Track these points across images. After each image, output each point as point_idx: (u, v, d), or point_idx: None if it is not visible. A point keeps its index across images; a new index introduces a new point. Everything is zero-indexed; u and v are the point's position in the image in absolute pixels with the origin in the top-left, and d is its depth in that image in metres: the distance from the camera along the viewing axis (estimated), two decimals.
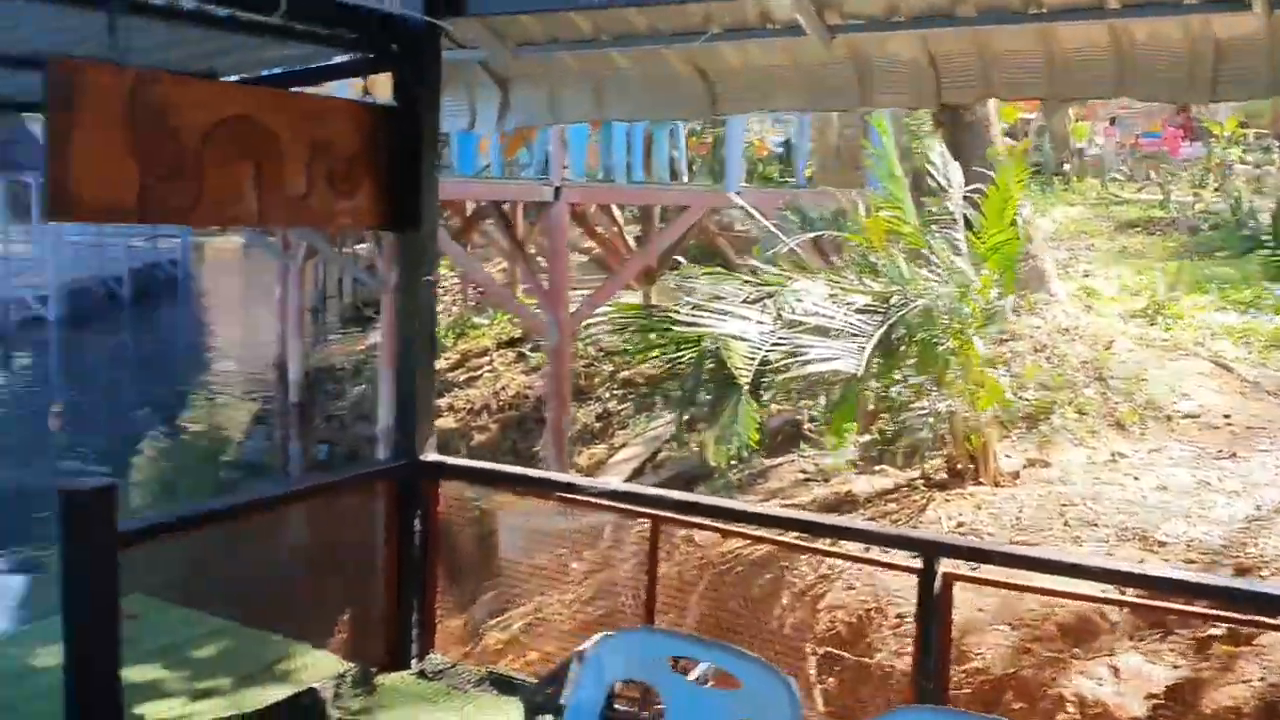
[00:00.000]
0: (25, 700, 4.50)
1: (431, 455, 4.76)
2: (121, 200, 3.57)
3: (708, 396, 5.70)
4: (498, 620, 6.51)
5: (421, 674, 4.72)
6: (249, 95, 4.00)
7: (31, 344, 21.39)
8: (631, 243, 13.71)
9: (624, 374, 11.99)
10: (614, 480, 7.15)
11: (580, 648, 3.82)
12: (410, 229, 4.56)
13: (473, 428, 12.23)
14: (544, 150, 10.16)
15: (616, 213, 13.85)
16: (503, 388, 12.64)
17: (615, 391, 11.66)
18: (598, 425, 11.09)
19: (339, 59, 4.70)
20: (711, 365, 5.91)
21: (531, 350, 13.34)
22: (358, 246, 18.20)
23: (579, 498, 4.42)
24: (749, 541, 5.75)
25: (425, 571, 4.81)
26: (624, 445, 10.54)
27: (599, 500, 4.41)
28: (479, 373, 13.37)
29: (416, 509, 4.73)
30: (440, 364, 14.37)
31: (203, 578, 5.14)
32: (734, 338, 5.45)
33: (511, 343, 13.98)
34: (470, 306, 17.08)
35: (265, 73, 4.83)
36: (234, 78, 4.65)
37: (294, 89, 4.67)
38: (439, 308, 16.56)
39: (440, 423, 12.88)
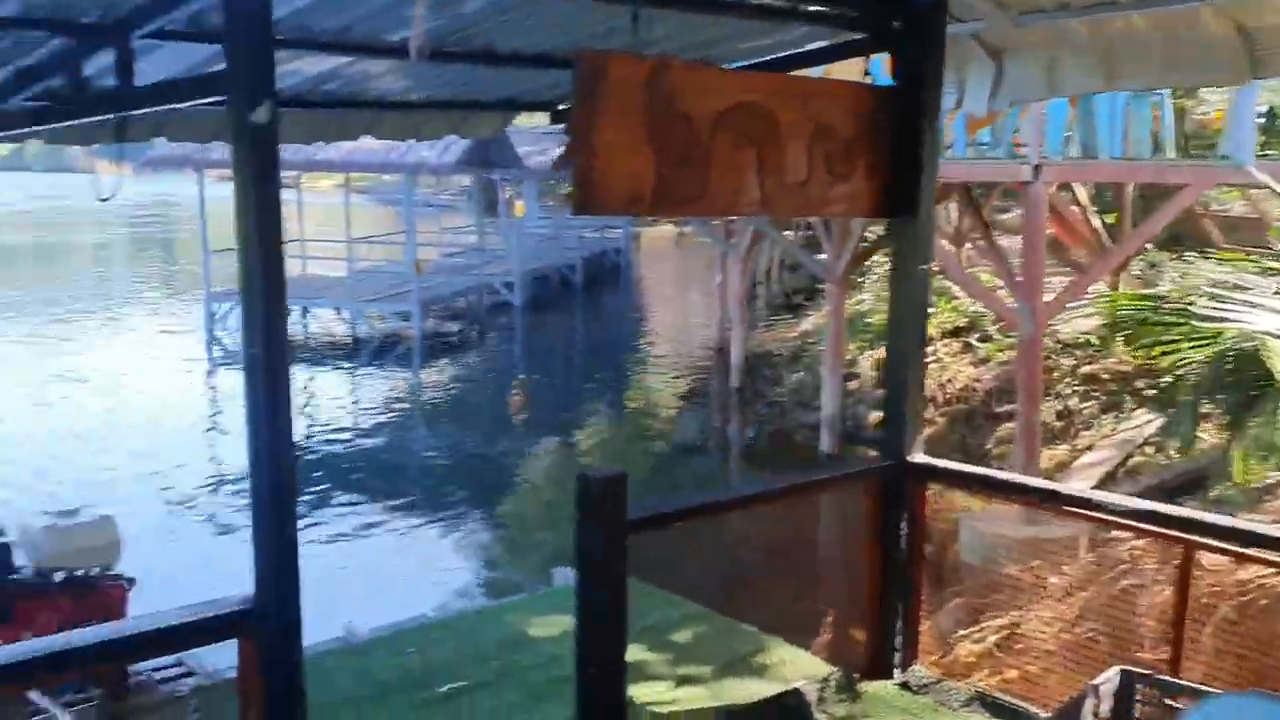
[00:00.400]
0: (522, 669, 4.76)
1: (919, 456, 4.49)
2: (639, 192, 3.59)
3: (1231, 399, 4.95)
4: (969, 631, 6.11)
5: (905, 686, 4.46)
6: (755, 81, 3.90)
7: (498, 327, 23.60)
8: (1098, 225, 12.60)
9: (1085, 369, 11.04)
10: (1134, 499, 6.47)
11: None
12: (906, 215, 4.30)
13: None
14: (1009, 128, 9.51)
15: (1081, 193, 12.78)
16: (949, 379, 12.08)
17: (1076, 388, 10.75)
18: (1058, 424, 10.27)
19: (836, 40, 4.51)
20: (1232, 364, 5.13)
21: (979, 341, 12.66)
22: (786, 233, 18.27)
23: (1095, 515, 3.94)
24: (1274, 570, 4.94)
25: (910, 578, 4.55)
26: (1089, 447, 9.67)
27: (1120, 520, 3.90)
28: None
29: (902, 512, 4.48)
30: (880, 353, 14.07)
31: (678, 563, 5.24)
32: (1274, 335, 4.67)
33: (955, 332, 13.35)
34: None
35: (759, 60, 4.75)
36: (733, 65, 4.61)
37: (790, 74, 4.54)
38: (871, 293, 16.17)
39: (882, 412, 12.58)
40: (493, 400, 16.77)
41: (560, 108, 5.90)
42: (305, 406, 16.23)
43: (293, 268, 23.74)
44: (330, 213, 25.73)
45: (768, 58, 4.68)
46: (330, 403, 16.53)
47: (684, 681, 4.62)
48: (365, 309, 21.04)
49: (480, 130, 6.23)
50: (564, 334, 24.52)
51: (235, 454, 12.99)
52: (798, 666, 4.70)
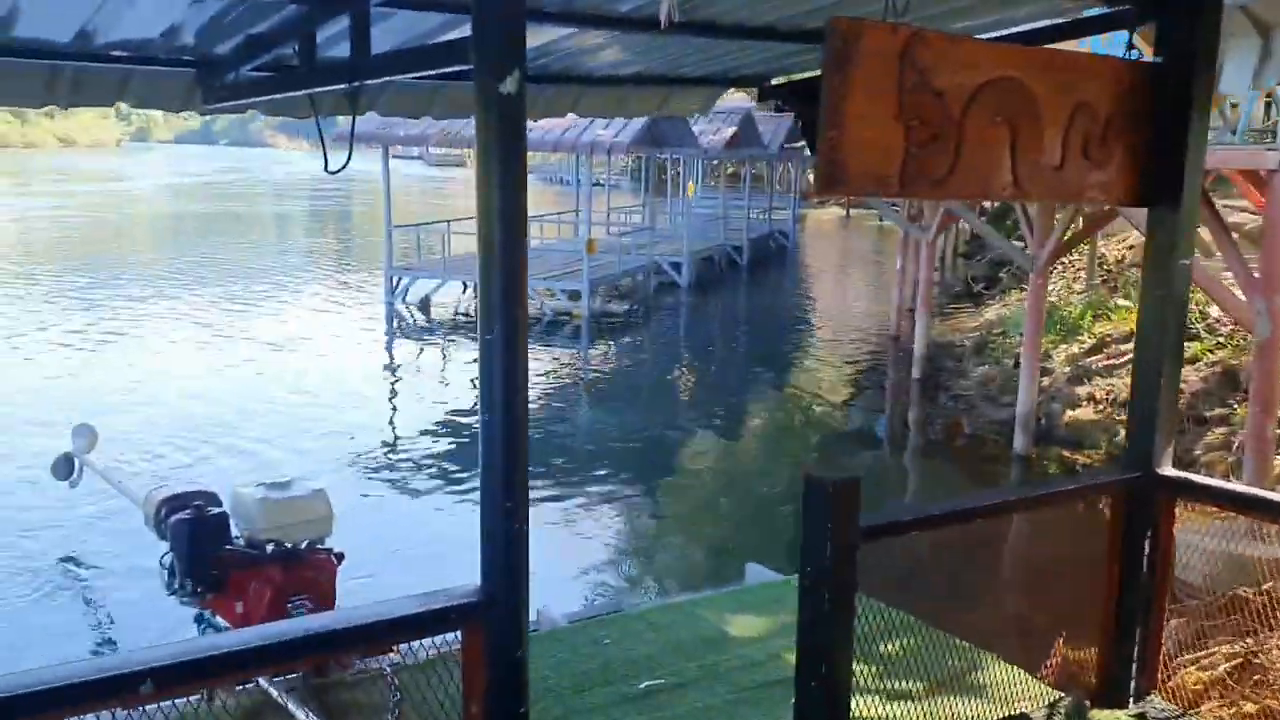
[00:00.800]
0: (722, 670, 4.57)
1: (1168, 469, 4.11)
2: (885, 171, 3.34)
3: None
4: (1195, 656, 5.62)
5: (1141, 717, 4.10)
6: (1014, 55, 3.58)
7: (664, 307, 23.50)
8: None
9: None
10: None
11: None
12: (1167, 205, 3.92)
13: (1117, 421, 11.10)
14: (1245, 111, 8.79)
15: None
16: None
17: None
18: None
19: (1096, 11, 4.13)
20: None
21: (1187, 339, 11.83)
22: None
23: None
24: None
25: (1151, 601, 4.18)
26: None
27: None
28: (1121, 360, 12.12)
29: (1147, 528, 4.11)
30: (1074, 348, 13.33)
31: (884, 566, 4.95)
32: None
33: None
34: (1106, 285, 15.64)
35: (1009, 31, 4.40)
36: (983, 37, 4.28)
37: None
38: (1061, 284, 15.32)
39: (1079, 413, 11.94)
40: (661, 382, 16.65)
41: (772, 83, 5.65)
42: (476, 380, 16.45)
43: (467, 245, 24.25)
44: None
45: (1018, 29, 4.34)
46: None
47: (894, 697, 4.35)
48: (537, 286, 21.25)
49: (684, 107, 6.04)
50: (731, 316, 24.25)
51: (413, 423, 13.32)
52: (1020, 689, 4.38)
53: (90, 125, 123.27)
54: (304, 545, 4.89)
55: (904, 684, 4.50)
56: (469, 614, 2.77)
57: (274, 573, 4.72)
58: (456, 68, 2.78)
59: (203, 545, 4.79)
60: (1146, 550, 4.11)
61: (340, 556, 4.98)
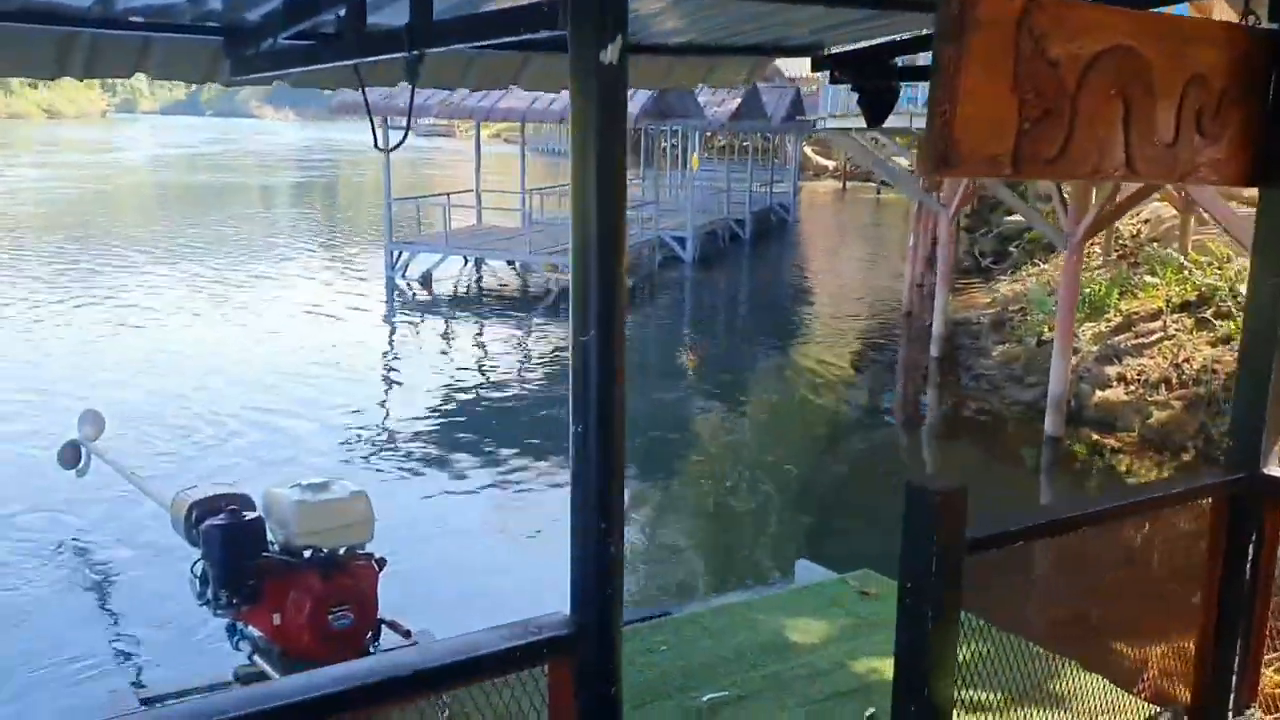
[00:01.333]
0: (786, 680, 4.30)
1: (1276, 469, 3.83)
2: (998, 150, 3.01)
3: None
4: (1269, 658, 5.38)
5: None
6: (1128, 20, 3.25)
7: (669, 283, 23.15)
8: None
9: None
10: None
11: None
12: None
13: (1149, 403, 10.84)
14: None
15: None
16: (1185, 359, 11.04)
17: None
18: None
19: None
20: None
21: (1214, 316, 11.56)
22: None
23: None
24: None
25: (1254, 610, 3.91)
26: None
27: None
28: (1150, 339, 11.84)
29: (1250, 533, 3.84)
30: (1101, 327, 13.05)
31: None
32: None
33: (1185, 306, 12.24)
34: (1125, 261, 15.35)
35: None
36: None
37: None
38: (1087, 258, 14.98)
39: (1108, 394, 11.66)
40: (672, 361, 16.34)
41: (829, 51, 5.33)
42: (485, 359, 16.19)
43: (468, 218, 23.87)
44: (488, 162, 25.60)
45: None
46: (510, 357, 16.43)
47: (968, 708, 4.09)
48: (544, 261, 20.87)
49: (730, 77, 5.70)
50: (738, 292, 23.93)
51: (410, 405, 12.99)
52: (1100, 699, 4.13)
53: (76, 96, 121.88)
54: (343, 551, 4.60)
55: (976, 691, 4.24)
56: (559, 647, 2.49)
57: (313, 581, 4.43)
58: (543, 34, 2.45)
59: (238, 553, 4.48)
60: (1250, 556, 3.83)
61: (382, 562, 4.68)
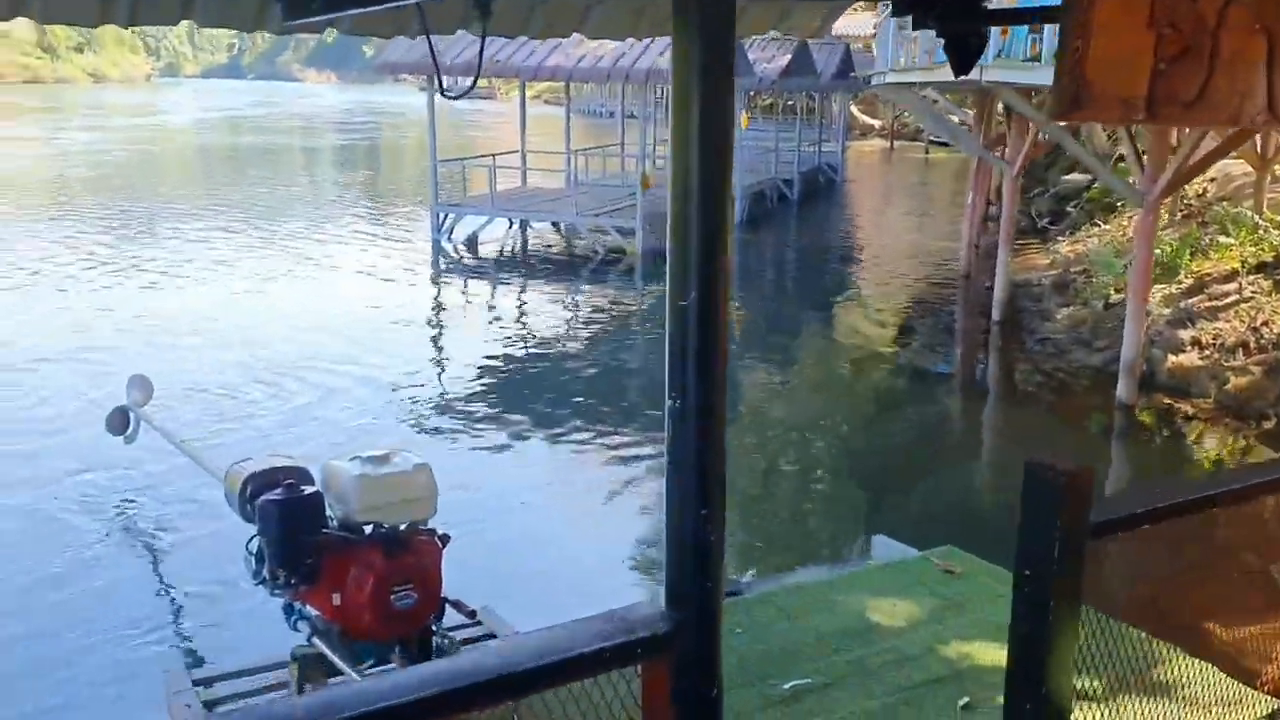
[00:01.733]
0: (871, 668, 4.06)
1: None
2: (1132, 92, 2.65)
3: None
4: None
5: None
6: None
7: None
8: None
9: None
10: None
11: None
12: None
13: (1226, 368, 10.41)
14: None
15: None
16: (1263, 322, 10.58)
17: None
18: None
19: None
20: None
21: None
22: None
23: None
24: None
25: None
26: None
27: None
28: (1224, 301, 11.37)
29: None
30: (1172, 289, 12.58)
31: None
32: None
33: (1261, 267, 11.73)
34: (1194, 220, 14.76)
35: None
36: None
37: None
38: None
39: (1182, 359, 11.22)
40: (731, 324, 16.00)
41: None
42: (531, 322, 16.00)
43: (513, 179, 23.60)
44: (531, 124, 25.29)
45: None
46: (565, 320, 16.22)
47: (1082, 698, 3.83)
48: (589, 223, 20.58)
49: (804, 24, 5.37)
50: (788, 254, 23.50)
51: (469, 367, 12.87)
52: (1210, 687, 3.86)
53: (120, 60, 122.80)
54: (405, 527, 4.39)
55: (1078, 680, 4.00)
56: (655, 647, 2.25)
57: (374, 558, 4.23)
58: None
59: (297, 529, 4.28)
60: None
61: (445, 539, 4.47)
